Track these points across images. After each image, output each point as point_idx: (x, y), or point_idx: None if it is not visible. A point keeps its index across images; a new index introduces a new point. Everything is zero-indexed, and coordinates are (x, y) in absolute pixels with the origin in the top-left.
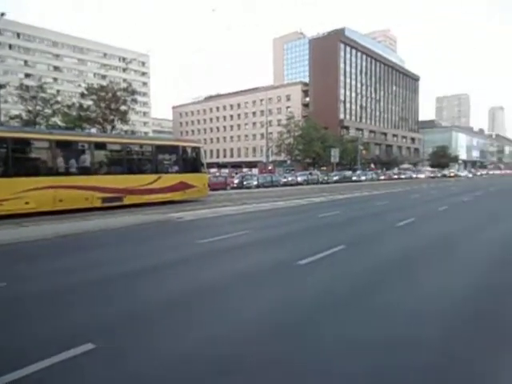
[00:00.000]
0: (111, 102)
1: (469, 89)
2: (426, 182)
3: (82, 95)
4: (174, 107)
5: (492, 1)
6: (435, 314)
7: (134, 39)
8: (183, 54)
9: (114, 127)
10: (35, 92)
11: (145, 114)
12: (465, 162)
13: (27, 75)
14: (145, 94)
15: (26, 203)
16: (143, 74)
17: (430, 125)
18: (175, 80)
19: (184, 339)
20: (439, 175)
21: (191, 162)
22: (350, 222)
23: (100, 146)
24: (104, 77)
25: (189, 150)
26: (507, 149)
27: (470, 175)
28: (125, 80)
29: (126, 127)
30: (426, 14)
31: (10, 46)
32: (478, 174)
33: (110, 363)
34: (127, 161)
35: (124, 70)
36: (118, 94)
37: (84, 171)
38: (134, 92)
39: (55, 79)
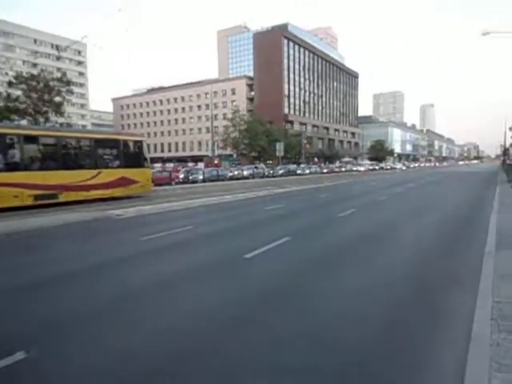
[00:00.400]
0: (44, 92)
1: (403, 87)
2: (366, 175)
3: (10, 84)
4: (114, 99)
5: (426, 4)
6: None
7: (68, 26)
8: (125, 44)
9: (47, 119)
10: None
11: (82, 106)
12: (399, 156)
13: None
14: (82, 85)
15: None
16: (79, 63)
17: (368, 120)
18: (116, 71)
19: (125, 338)
20: (377, 168)
21: (133, 157)
22: (295, 215)
23: (31, 139)
24: (35, 65)
25: (131, 144)
26: (436, 143)
27: (404, 168)
28: (59, 69)
29: (61, 120)
30: (365, 14)
31: None
32: (411, 166)
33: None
34: (62, 155)
35: (58, 58)
36: (51, 84)
37: (12, 167)
38: (69, 82)
39: None
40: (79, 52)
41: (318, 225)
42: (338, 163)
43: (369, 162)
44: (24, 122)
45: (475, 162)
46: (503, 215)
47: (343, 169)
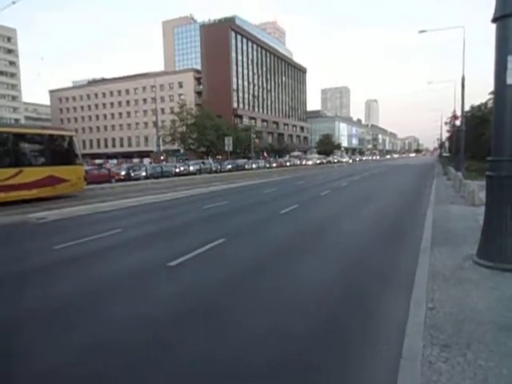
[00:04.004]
0: None
1: (349, 82)
2: (314, 168)
3: None
4: (51, 91)
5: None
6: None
7: None
8: (63, 32)
9: None
10: None
11: (14, 98)
12: (346, 149)
13: None
14: (13, 75)
15: None
16: (9, 51)
17: (316, 114)
18: (53, 61)
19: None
20: (325, 161)
21: (62, 153)
22: (236, 212)
23: None
24: None
25: (59, 139)
26: (380, 137)
27: (351, 161)
28: None
29: None
30: (312, 9)
31: None
32: (357, 159)
33: None
34: None
35: None
36: None
37: None
38: None
39: None
40: (8, 39)
41: (257, 223)
42: (287, 157)
43: (317, 156)
44: None
45: (412, 155)
46: (439, 208)
47: (292, 163)
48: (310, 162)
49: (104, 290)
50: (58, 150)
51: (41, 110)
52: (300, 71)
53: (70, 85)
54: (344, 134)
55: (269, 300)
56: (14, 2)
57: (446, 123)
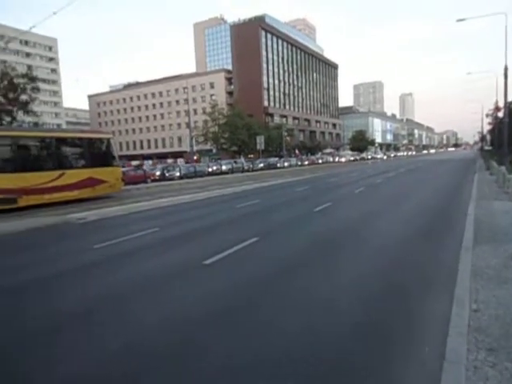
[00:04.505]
0: (8, 90)
1: (382, 76)
2: (347, 166)
3: None
4: (90, 96)
5: None
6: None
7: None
8: (100, 39)
9: (14, 119)
10: None
11: (56, 104)
12: (380, 145)
13: None
14: (54, 82)
15: None
16: (51, 59)
17: (349, 111)
18: (92, 67)
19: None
20: (358, 158)
21: (101, 156)
22: (268, 211)
23: None
24: (4, 62)
25: (97, 142)
26: (416, 132)
27: (385, 157)
28: (29, 67)
29: (29, 119)
30: (343, 2)
31: None
32: (392, 155)
33: None
34: (20, 157)
35: (27, 54)
36: (16, 81)
37: None
38: (34, 79)
39: None
40: (50, 48)
41: (291, 222)
42: (319, 155)
43: (350, 153)
44: None
45: (451, 149)
46: (481, 204)
47: (324, 160)
48: (342, 159)
49: (144, 287)
50: (97, 153)
51: (80, 114)
52: (331, 67)
53: (107, 89)
54: (378, 130)
55: (302, 299)
56: (54, 13)
57: (487, 115)
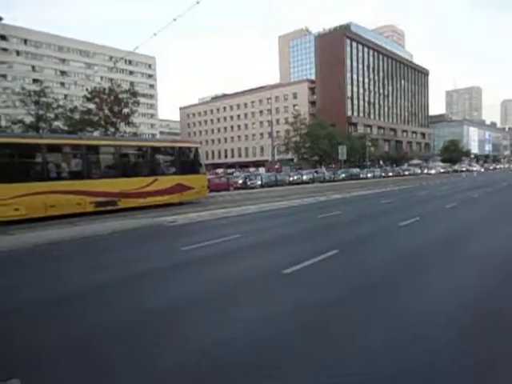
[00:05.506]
0: (113, 104)
1: (480, 82)
2: (437, 178)
3: (87, 99)
4: (181, 108)
5: None
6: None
7: (141, 45)
8: (190, 54)
9: (117, 130)
10: (37, 97)
11: (152, 116)
12: (477, 157)
13: (35, 80)
14: (152, 97)
15: (16, 210)
16: (150, 76)
17: (440, 119)
18: (183, 81)
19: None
20: (450, 170)
21: (189, 163)
22: (350, 223)
23: (92, 149)
24: (111, 80)
25: (186, 151)
26: None
27: (482, 170)
28: (132, 83)
29: (129, 129)
30: (433, 8)
31: (18, 53)
32: (491, 168)
33: None
34: (121, 163)
35: (131, 72)
36: (121, 96)
37: (76, 175)
38: (135, 94)
39: (62, 84)
40: (149, 66)
41: (373, 235)
42: (405, 166)
43: (441, 164)
44: (96, 133)
45: None
46: None
47: (411, 172)
48: (432, 171)
49: (225, 291)
50: (186, 161)
51: (172, 125)
52: (421, 73)
53: (196, 101)
54: (474, 140)
55: (383, 324)
56: (155, 34)
57: None
